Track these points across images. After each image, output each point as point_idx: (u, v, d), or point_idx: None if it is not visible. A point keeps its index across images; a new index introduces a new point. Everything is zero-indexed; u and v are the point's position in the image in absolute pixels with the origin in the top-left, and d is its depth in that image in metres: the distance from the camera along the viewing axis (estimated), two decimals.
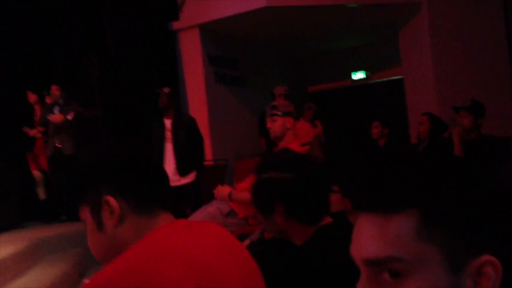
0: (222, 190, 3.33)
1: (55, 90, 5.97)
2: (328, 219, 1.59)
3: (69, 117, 5.88)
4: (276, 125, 3.28)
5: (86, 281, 0.96)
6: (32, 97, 6.35)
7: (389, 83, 9.16)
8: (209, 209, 3.30)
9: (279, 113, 3.28)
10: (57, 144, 5.91)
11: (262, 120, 3.45)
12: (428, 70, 7.00)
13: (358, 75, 9.54)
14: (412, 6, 6.98)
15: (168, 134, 5.10)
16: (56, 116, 5.87)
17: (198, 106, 7.13)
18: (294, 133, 3.31)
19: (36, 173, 6.41)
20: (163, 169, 1.18)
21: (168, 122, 5.14)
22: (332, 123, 8.38)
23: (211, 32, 7.30)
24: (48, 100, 6.00)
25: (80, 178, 1.13)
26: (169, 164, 4.98)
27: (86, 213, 1.12)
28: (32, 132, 6.33)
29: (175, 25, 7.22)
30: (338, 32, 8.21)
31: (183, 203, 4.98)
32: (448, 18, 6.90)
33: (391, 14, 7.30)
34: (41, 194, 6.43)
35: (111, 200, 1.07)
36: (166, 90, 5.15)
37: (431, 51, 6.93)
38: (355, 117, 8.96)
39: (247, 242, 2.38)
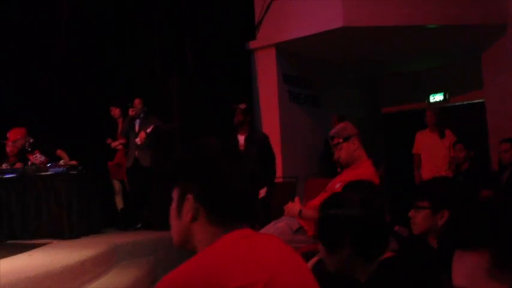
0: (293, 207, 3.33)
1: (138, 103, 6.30)
2: (389, 254, 1.60)
3: (148, 130, 6.17)
4: (342, 153, 3.23)
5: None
6: (116, 111, 6.72)
7: (469, 106, 8.78)
8: (279, 225, 3.31)
9: (340, 140, 3.25)
10: (136, 156, 6.20)
11: (327, 145, 3.42)
12: None
13: (437, 98, 9.23)
14: (497, 28, 6.69)
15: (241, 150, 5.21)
16: (140, 137, 6.15)
17: (271, 123, 7.22)
18: (362, 150, 3.26)
19: (116, 183, 6.75)
20: (252, 186, 1.19)
21: (241, 138, 5.24)
22: (406, 145, 8.13)
23: (287, 51, 7.39)
24: (131, 112, 6.33)
25: (179, 166, 1.21)
26: None
27: (174, 196, 1.20)
28: (114, 144, 6.69)
29: (252, 44, 7.39)
30: (416, 53, 8.01)
31: (253, 218, 5.02)
32: None
33: (472, 36, 7.03)
34: (119, 203, 6.75)
35: (191, 200, 1.14)
36: (242, 106, 5.27)
37: None
38: None
39: (315, 259, 2.37)
